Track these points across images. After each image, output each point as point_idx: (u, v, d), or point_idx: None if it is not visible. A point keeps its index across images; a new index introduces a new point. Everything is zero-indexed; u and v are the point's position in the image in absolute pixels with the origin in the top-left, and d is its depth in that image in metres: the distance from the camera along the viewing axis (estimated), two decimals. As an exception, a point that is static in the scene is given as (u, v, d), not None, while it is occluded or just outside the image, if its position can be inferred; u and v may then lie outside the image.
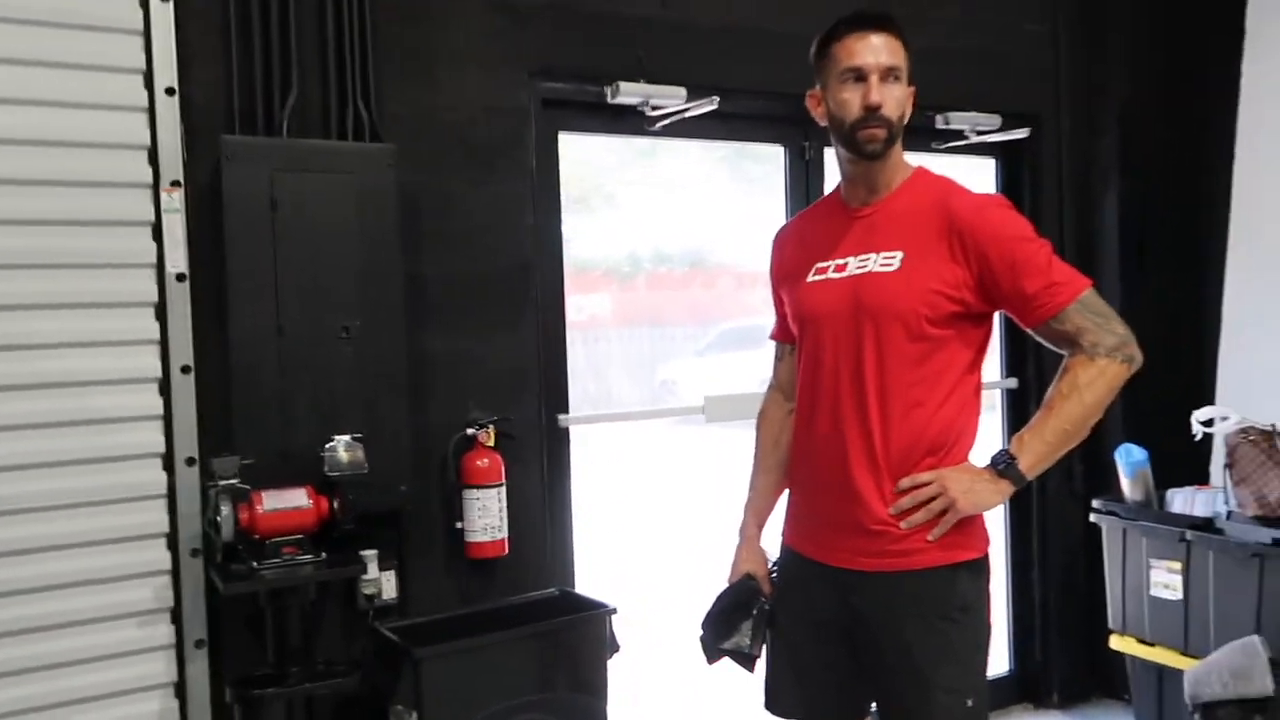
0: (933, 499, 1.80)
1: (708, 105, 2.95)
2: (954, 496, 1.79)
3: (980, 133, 3.52)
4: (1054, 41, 3.73)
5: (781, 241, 2.08)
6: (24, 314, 2.26)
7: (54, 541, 2.26)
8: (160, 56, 2.37)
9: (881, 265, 1.83)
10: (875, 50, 1.82)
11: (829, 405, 1.87)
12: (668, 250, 4.61)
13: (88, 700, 2.28)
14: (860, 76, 1.83)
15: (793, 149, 3.36)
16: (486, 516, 2.62)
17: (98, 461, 2.31)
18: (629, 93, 2.89)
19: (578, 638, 2.51)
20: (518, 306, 2.81)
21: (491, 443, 2.67)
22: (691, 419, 3.37)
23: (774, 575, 2.03)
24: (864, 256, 1.86)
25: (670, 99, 2.93)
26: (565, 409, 2.94)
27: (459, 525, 2.64)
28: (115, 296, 2.34)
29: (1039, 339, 1.88)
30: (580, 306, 3.52)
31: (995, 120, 3.51)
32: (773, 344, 2.14)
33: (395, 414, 2.52)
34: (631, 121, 3.00)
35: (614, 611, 2.56)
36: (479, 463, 2.63)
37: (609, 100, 2.90)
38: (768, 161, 3.50)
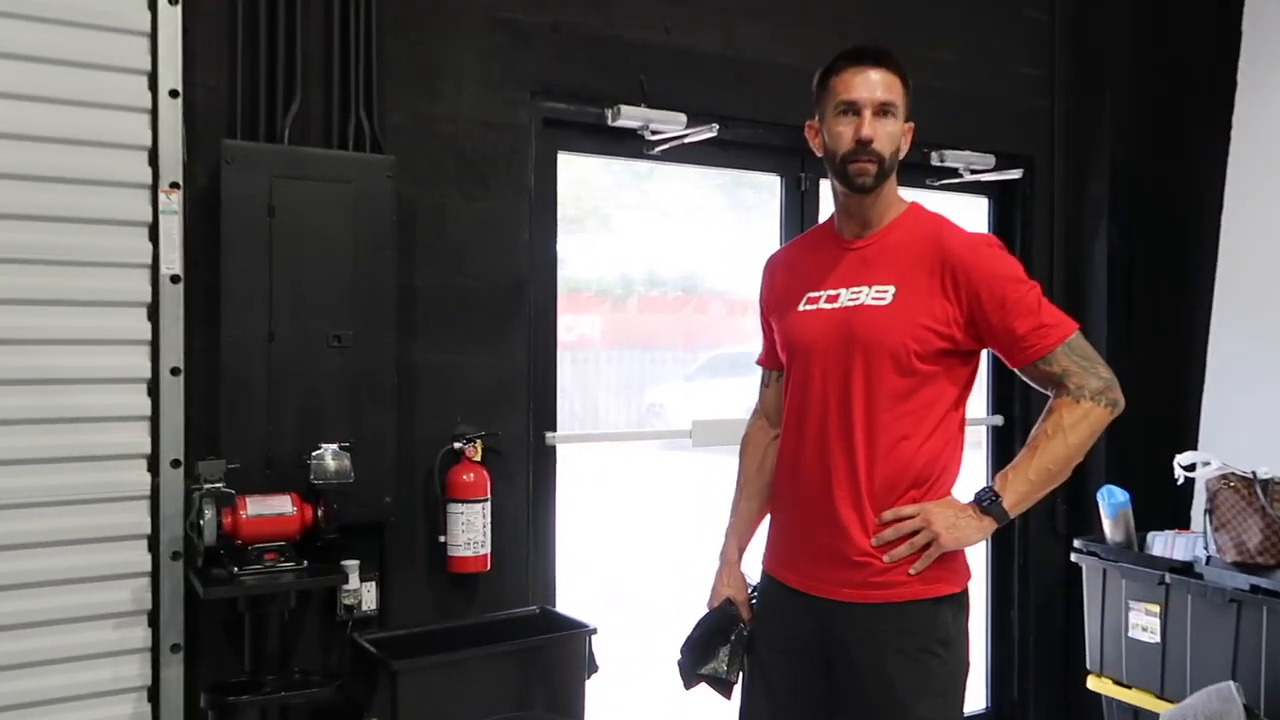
0: (916, 532, 1.81)
1: (707, 132, 2.98)
2: (937, 531, 1.80)
3: (974, 171, 3.57)
4: (1049, 85, 3.79)
5: (773, 269, 2.09)
6: (15, 308, 2.25)
7: (34, 539, 2.25)
8: (166, 58, 2.38)
9: (874, 299, 1.85)
10: (871, 85, 1.85)
11: (815, 434, 1.88)
12: (661, 274, 4.63)
13: (61, 701, 2.26)
14: (854, 110, 1.85)
15: (789, 179, 3.39)
16: (470, 531, 2.62)
17: (82, 460, 2.29)
18: (630, 116, 2.91)
19: (557, 657, 2.50)
20: (509, 323, 2.82)
21: (478, 457, 2.67)
22: (678, 443, 3.38)
23: (754, 601, 2.03)
24: (856, 289, 1.88)
25: (670, 124, 2.96)
26: (553, 427, 2.95)
27: (442, 539, 2.63)
28: (109, 295, 2.34)
29: (1025, 379, 1.90)
30: (570, 326, 3.53)
31: (989, 160, 3.56)
32: (759, 369, 2.16)
33: (382, 425, 2.52)
34: (631, 145, 3.03)
35: (594, 632, 2.55)
36: (464, 477, 2.63)
37: (609, 123, 2.92)
38: (764, 190, 3.53)
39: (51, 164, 2.28)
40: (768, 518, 2.06)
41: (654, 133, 2.98)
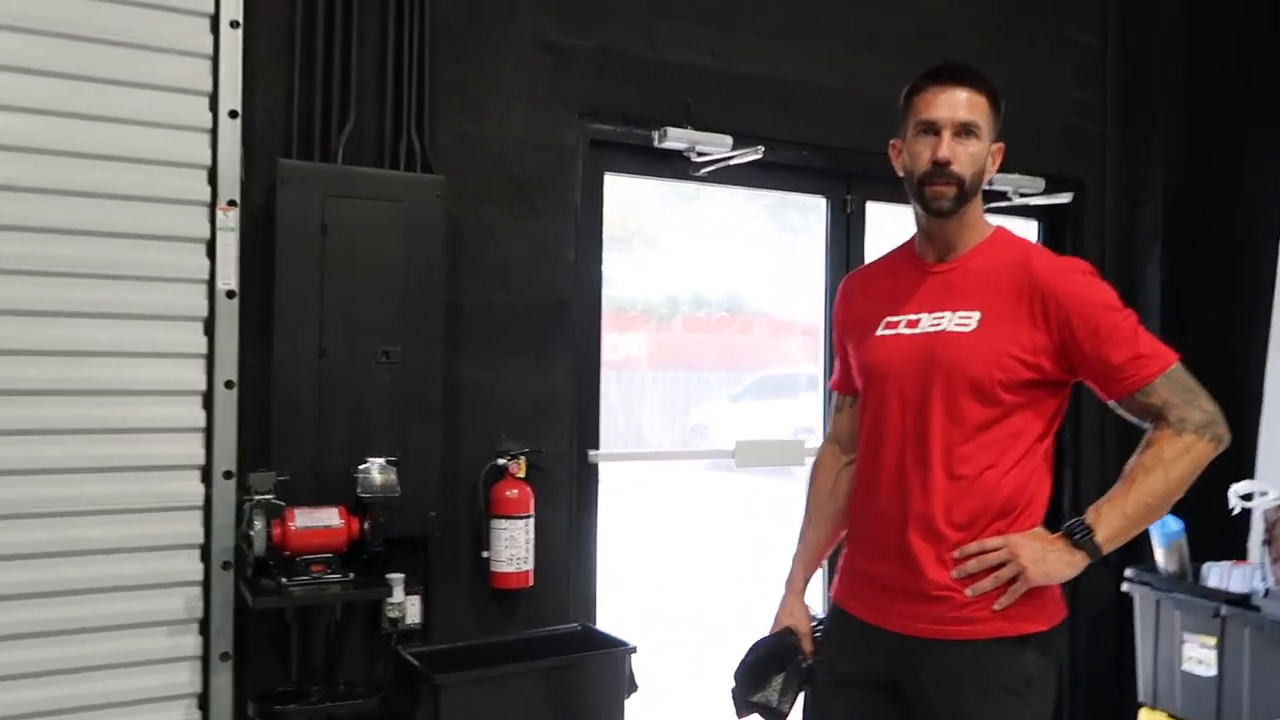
0: (1000, 565, 1.72)
1: (753, 154, 2.99)
2: (1024, 564, 1.71)
3: (1023, 195, 3.53)
4: (1099, 109, 3.75)
5: (849, 290, 2.01)
6: (77, 321, 2.32)
7: (90, 546, 2.31)
8: (226, 80, 2.45)
9: (957, 325, 1.78)
10: (952, 105, 1.78)
11: (892, 464, 1.81)
12: (706, 295, 4.64)
13: (114, 706, 2.31)
14: (933, 130, 1.79)
15: (834, 201, 3.39)
16: (513, 547, 2.64)
17: (138, 469, 2.35)
18: (676, 138, 2.94)
19: (597, 675, 2.50)
20: (554, 341, 2.84)
21: (522, 474, 2.69)
22: (722, 464, 3.37)
23: (817, 634, 1.96)
24: (938, 314, 1.80)
25: (716, 146, 2.98)
26: (596, 445, 2.96)
27: (485, 554, 2.65)
28: (167, 309, 2.41)
29: (1121, 412, 1.80)
30: (616, 345, 3.55)
31: (1039, 184, 3.53)
32: (834, 394, 2.08)
33: (428, 440, 2.55)
34: (677, 166, 3.05)
35: (634, 650, 2.55)
36: (508, 493, 2.65)
37: (655, 144, 2.95)
38: (810, 211, 3.54)
39: (115, 181, 2.36)
40: (832, 546, 2.02)
41: (699, 154, 3.00)
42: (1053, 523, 1.81)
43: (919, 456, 1.77)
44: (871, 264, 2.07)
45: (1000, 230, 1.89)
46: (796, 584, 2.01)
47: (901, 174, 1.88)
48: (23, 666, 2.24)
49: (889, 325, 1.86)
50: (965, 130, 1.78)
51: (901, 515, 1.78)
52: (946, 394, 1.76)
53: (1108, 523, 1.73)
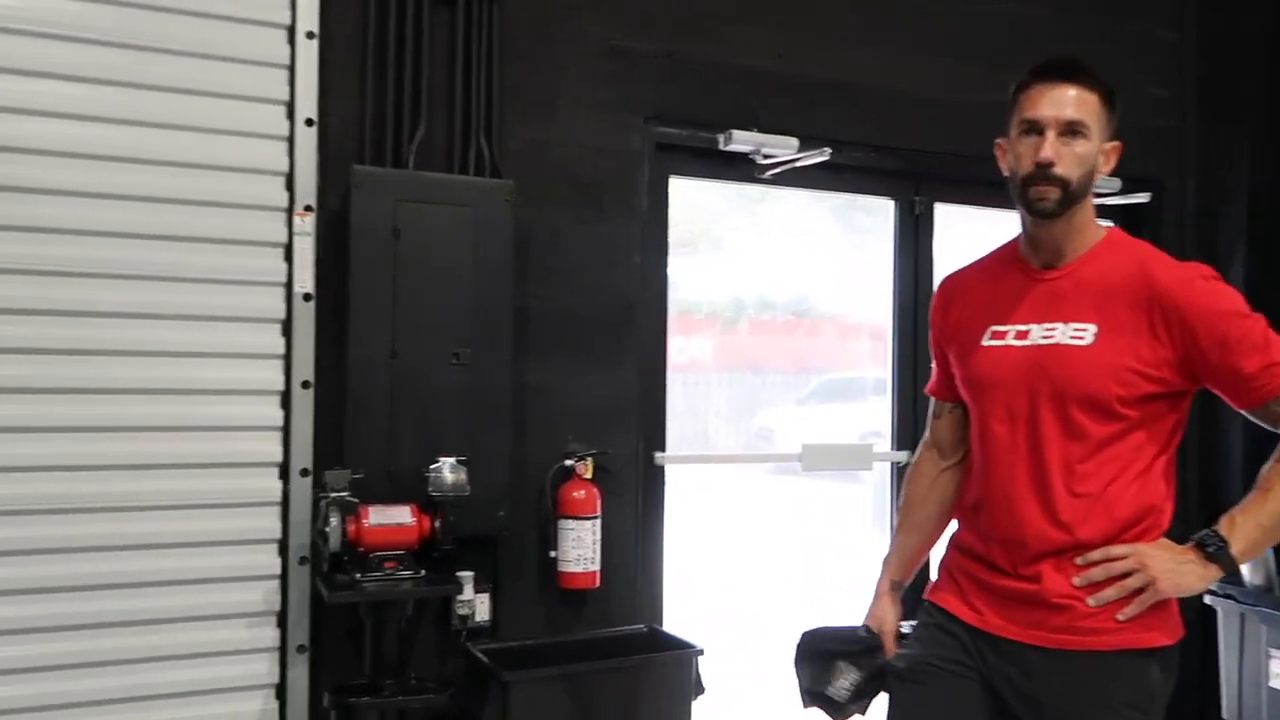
0: (1127, 574, 1.66)
1: (819, 156, 2.98)
2: (1155, 575, 1.64)
3: (1099, 195, 3.45)
4: (1179, 107, 3.65)
5: (948, 295, 1.92)
6: (162, 323, 2.41)
7: (174, 539, 2.39)
8: (303, 90, 2.52)
9: (1071, 338, 1.70)
10: (1056, 103, 1.70)
11: (1003, 479, 1.74)
12: (772, 297, 4.62)
13: (197, 694, 2.39)
14: (1036, 130, 1.71)
15: (902, 203, 3.36)
16: (580, 548, 2.66)
17: (219, 466, 2.44)
18: (742, 140, 2.94)
19: (664, 676, 2.51)
20: (620, 343, 2.87)
21: (589, 475, 2.71)
22: (786, 468, 3.35)
23: (903, 637, 1.91)
24: (1050, 326, 1.72)
25: (782, 148, 2.97)
26: (662, 447, 2.97)
27: (553, 554, 2.68)
28: (247, 312, 2.48)
29: (1254, 420, 1.72)
30: (681, 348, 3.56)
31: (1115, 183, 3.44)
32: (931, 399, 2.00)
33: (497, 441, 2.59)
34: (743, 168, 3.05)
35: (701, 652, 2.55)
36: (576, 494, 2.68)
37: (721, 147, 2.96)
38: (878, 213, 3.51)
39: (199, 188, 2.44)
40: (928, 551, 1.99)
41: (766, 157, 3.00)
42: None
43: (1035, 472, 1.71)
44: (971, 267, 1.95)
45: (1114, 232, 1.82)
46: (883, 586, 1.96)
47: (1006, 175, 1.80)
48: (111, 654, 2.33)
49: (995, 335, 1.78)
50: (1071, 129, 1.70)
51: (1018, 530, 1.71)
52: (1061, 409, 1.69)
53: (1243, 534, 1.65)
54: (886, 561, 1.98)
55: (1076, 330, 1.70)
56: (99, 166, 2.36)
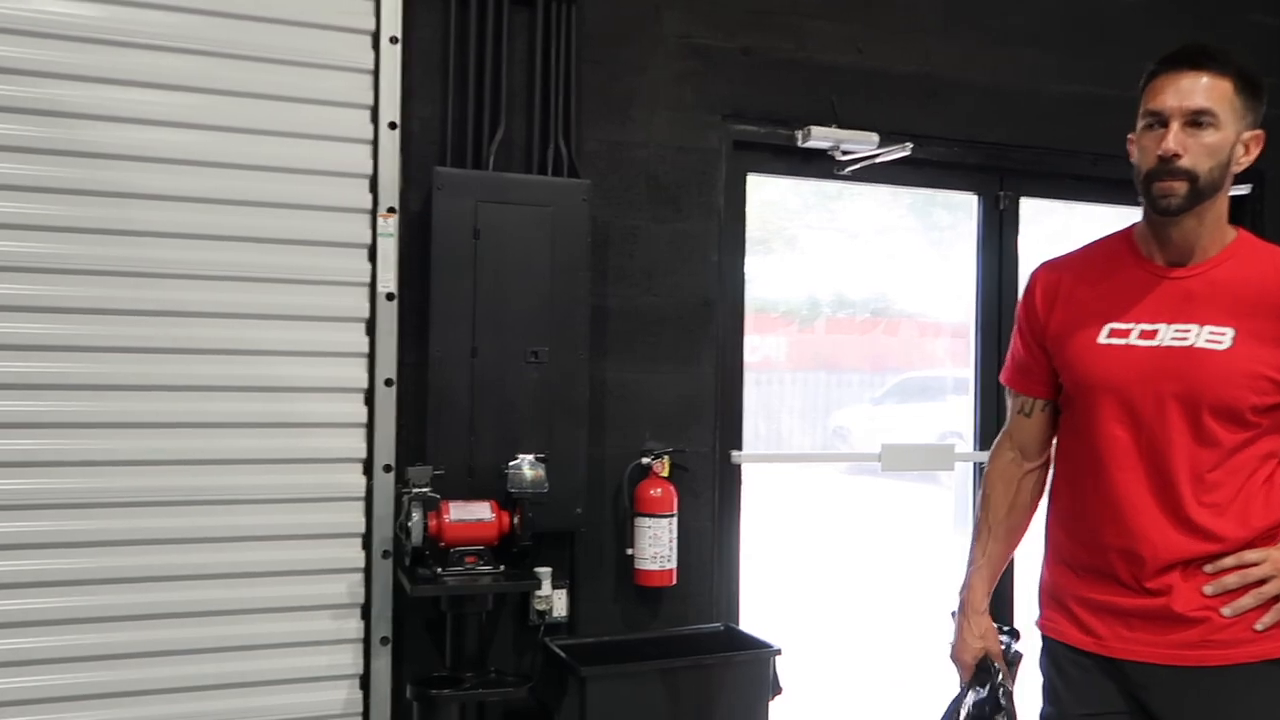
0: (1264, 581, 1.59)
1: (901, 151, 2.93)
2: None
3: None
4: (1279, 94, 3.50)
5: (1052, 286, 1.78)
6: (249, 322, 2.48)
7: (261, 532, 2.47)
8: (386, 94, 2.57)
9: (1208, 342, 1.61)
10: (1181, 92, 1.60)
11: (1123, 483, 1.66)
12: (848, 296, 4.57)
13: (284, 683, 2.46)
14: (1160, 121, 1.62)
15: (987, 198, 3.29)
16: (657, 545, 2.67)
17: (305, 462, 2.50)
18: (820, 137, 2.91)
19: (742, 675, 2.50)
20: (697, 342, 2.86)
21: (665, 473, 2.72)
22: (860, 467, 3.32)
23: (1007, 652, 1.83)
24: (1184, 327, 1.64)
25: (862, 144, 2.93)
26: (738, 445, 2.96)
27: (629, 552, 2.69)
28: (332, 311, 2.54)
29: None
30: (755, 347, 3.54)
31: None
32: (1013, 394, 1.87)
33: (575, 438, 2.61)
34: (821, 165, 3.02)
35: (779, 652, 2.54)
36: (652, 492, 2.69)
37: (799, 144, 2.93)
38: (958, 209, 3.44)
39: (284, 191, 2.51)
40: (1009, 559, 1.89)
41: (845, 153, 2.97)
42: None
43: (1158, 479, 1.64)
44: (1075, 256, 1.83)
45: (1245, 234, 1.73)
46: (980, 603, 1.82)
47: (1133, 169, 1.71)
48: (202, 642, 2.42)
49: (1116, 334, 1.68)
50: (1197, 119, 1.60)
51: (1144, 540, 1.63)
52: (1191, 414, 1.62)
53: None
54: (976, 574, 1.84)
55: (1214, 334, 1.62)
56: (192, 172, 2.44)
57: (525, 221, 2.60)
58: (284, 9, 2.50)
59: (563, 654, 2.44)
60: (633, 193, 2.82)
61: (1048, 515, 1.83)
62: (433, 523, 2.33)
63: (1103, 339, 1.69)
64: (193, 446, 2.43)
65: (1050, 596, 1.78)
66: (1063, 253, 1.85)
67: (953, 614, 1.87)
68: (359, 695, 2.52)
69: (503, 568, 2.38)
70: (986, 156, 3.18)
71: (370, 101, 2.57)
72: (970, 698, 1.77)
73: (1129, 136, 1.71)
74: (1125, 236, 1.76)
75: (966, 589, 1.84)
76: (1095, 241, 1.82)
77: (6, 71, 2.31)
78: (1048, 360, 1.79)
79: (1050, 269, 1.83)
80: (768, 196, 3.22)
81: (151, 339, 2.41)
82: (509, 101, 2.69)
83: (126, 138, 2.39)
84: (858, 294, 4.42)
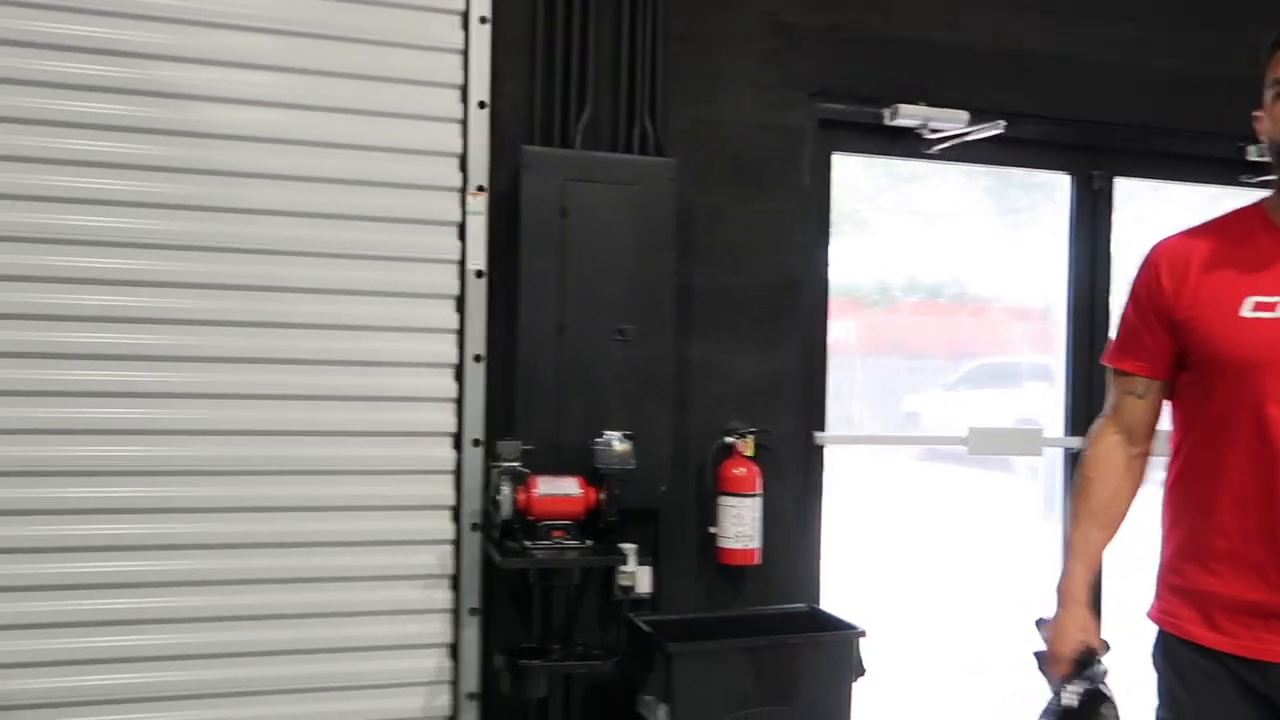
0: None
1: (992, 129, 2.88)
2: None
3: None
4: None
5: (1181, 260, 1.71)
6: (342, 298, 2.53)
7: (354, 503, 2.52)
8: (476, 73, 2.60)
9: None
10: None
11: (1264, 474, 1.58)
12: (922, 279, 4.51)
13: (373, 649, 2.52)
14: None
15: (1079, 177, 3.22)
16: (740, 525, 2.67)
17: (397, 435, 2.55)
18: (908, 115, 2.87)
19: (826, 656, 2.50)
20: (781, 322, 2.85)
21: (749, 453, 2.71)
22: (932, 454, 3.27)
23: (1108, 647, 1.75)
24: None
25: (951, 122, 2.89)
26: (822, 426, 2.95)
27: (712, 530, 2.70)
28: (423, 288, 2.58)
29: None
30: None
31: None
32: (1120, 374, 1.80)
33: (660, 416, 2.62)
34: (908, 144, 2.98)
35: (863, 634, 2.53)
36: (736, 471, 2.69)
37: (887, 122, 2.90)
38: (1037, 190, 3.38)
39: (377, 170, 2.54)
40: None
41: (933, 131, 2.92)
42: None
43: None
44: (1199, 230, 1.76)
45: None
46: (1080, 592, 1.74)
47: (1263, 142, 1.66)
48: (300, 607, 2.49)
49: (1263, 307, 1.61)
50: None
51: None
52: None
53: None
54: (1077, 562, 1.75)
55: None
56: (288, 150, 2.49)
57: (612, 200, 2.61)
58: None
59: (649, 629, 2.45)
60: (717, 172, 2.81)
61: (1169, 502, 1.75)
62: (522, 496, 2.35)
63: (1246, 312, 1.62)
64: (291, 418, 2.49)
65: (1172, 588, 1.72)
66: (1178, 230, 1.78)
67: (1039, 622, 1.78)
68: (449, 664, 2.57)
69: (589, 542, 2.40)
70: (1080, 134, 3.12)
71: (460, 81, 2.60)
72: (1069, 692, 1.67)
73: (1255, 114, 1.65)
74: (1256, 210, 1.70)
75: (1066, 577, 1.75)
76: (1221, 216, 1.76)
77: (114, 54, 2.37)
78: (1170, 339, 1.72)
79: (1174, 243, 1.75)
80: (839, 179, 3.19)
81: (252, 313, 2.47)
82: (596, 80, 2.69)
83: (227, 117, 2.45)
84: (931, 278, 4.35)
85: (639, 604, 2.65)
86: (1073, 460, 3.04)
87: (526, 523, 2.38)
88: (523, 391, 2.54)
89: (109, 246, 2.38)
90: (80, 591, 2.35)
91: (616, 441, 2.45)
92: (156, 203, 2.41)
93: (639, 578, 2.60)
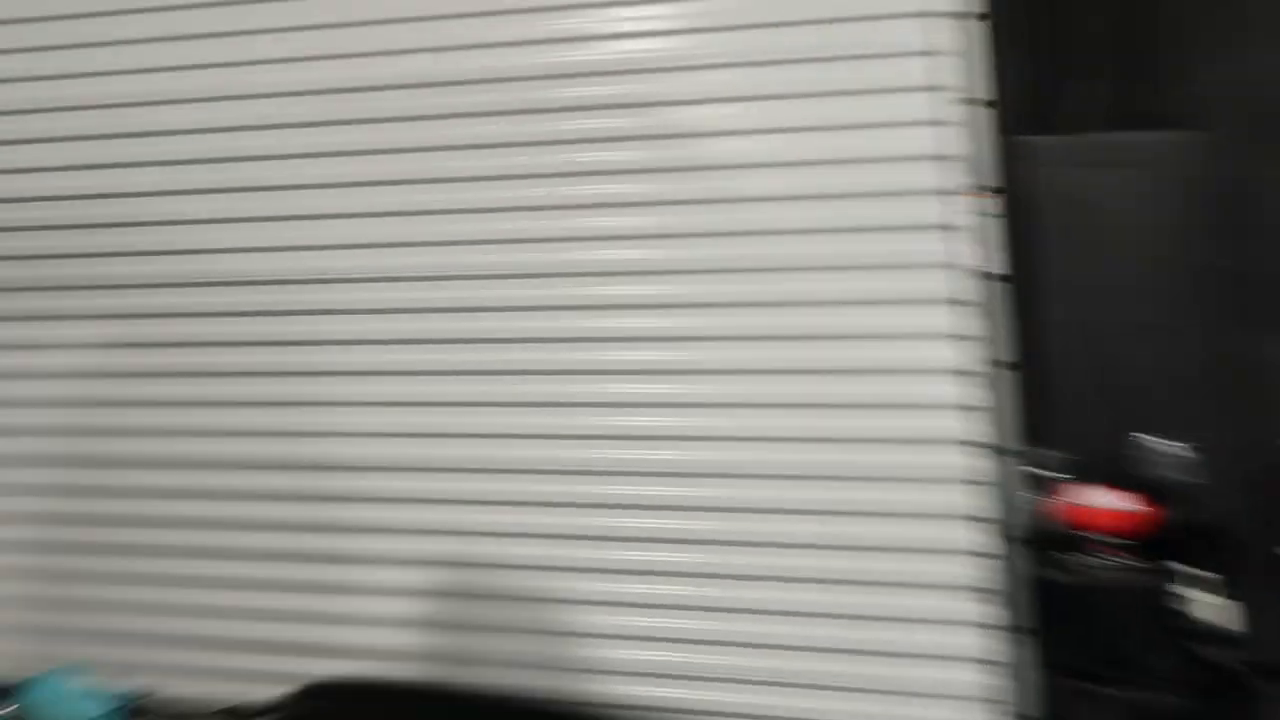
0: None
1: None
2: None
3: None
4: None
5: None
6: (845, 309, 2.57)
7: (876, 509, 2.53)
8: (972, 72, 2.50)
9: None
10: None
11: None
12: None
13: (909, 657, 2.51)
14: None
15: None
16: (1339, 549, 2.23)
17: (921, 443, 2.50)
18: None
19: None
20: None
21: (1338, 463, 2.28)
22: None
23: None
24: None
25: None
26: None
27: (1290, 552, 2.29)
28: (933, 295, 2.51)
29: None
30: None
31: None
32: None
33: (1220, 423, 2.30)
34: None
35: None
36: (1327, 485, 2.26)
37: None
38: None
39: (872, 182, 2.54)
40: None
41: None
42: None
43: None
44: None
45: None
46: None
47: None
48: (828, 607, 2.57)
49: None
50: None
51: None
52: None
53: None
54: None
55: None
56: (784, 173, 2.58)
57: (1125, 184, 2.39)
58: (859, 6, 2.54)
59: (1243, 670, 2.11)
60: (1250, 141, 2.45)
61: None
62: (1060, 508, 2.17)
63: None
64: (822, 425, 2.58)
65: None
66: None
67: None
68: (991, 679, 2.46)
69: (1144, 563, 2.14)
70: None
71: (955, 82, 2.51)
72: None
73: None
74: None
75: None
76: None
77: (616, 106, 2.65)
78: None
79: None
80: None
81: (757, 328, 2.60)
82: (1098, 60, 2.48)
83: (725, 149, 2.60)
84: None
85: (1208, 637, 2.29)
86: None
87: (1069, 536, 2.18)
88: (1049, 397, 2.37)
89: (641, 275, 2.66)
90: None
91: (1172, 453, 2.18)
92: (679, 233, 2.63)
93: (1211, 607, 2.26)
